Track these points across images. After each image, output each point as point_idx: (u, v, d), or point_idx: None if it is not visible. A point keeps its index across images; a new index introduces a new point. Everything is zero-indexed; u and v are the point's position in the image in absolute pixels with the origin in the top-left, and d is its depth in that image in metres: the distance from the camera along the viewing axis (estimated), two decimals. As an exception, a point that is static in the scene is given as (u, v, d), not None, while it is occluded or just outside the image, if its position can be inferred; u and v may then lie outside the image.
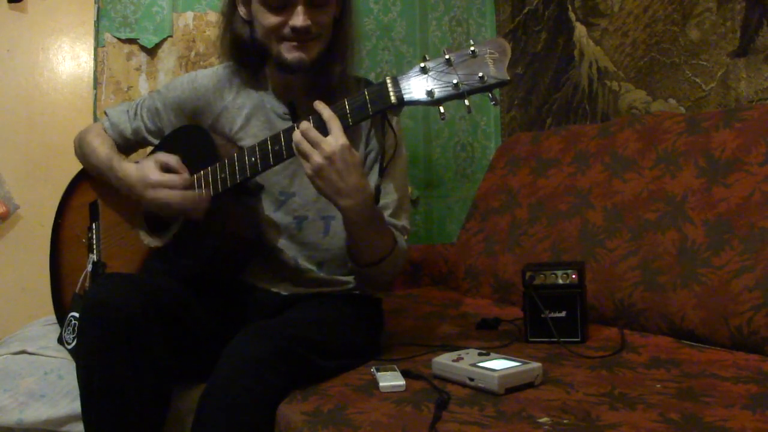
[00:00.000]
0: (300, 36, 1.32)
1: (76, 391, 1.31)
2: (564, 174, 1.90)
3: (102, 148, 1.51)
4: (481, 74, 1.11)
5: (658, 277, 1.49)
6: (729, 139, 1.50)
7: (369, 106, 1.19)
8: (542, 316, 1.43)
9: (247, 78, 1.47)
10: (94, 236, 1.57)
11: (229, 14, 1.43)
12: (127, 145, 1.57)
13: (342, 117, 1.20)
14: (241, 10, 1.40)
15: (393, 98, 1.16)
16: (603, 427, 0.95)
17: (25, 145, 2.04)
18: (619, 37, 2.03)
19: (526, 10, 2.43)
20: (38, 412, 1.39)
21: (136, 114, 1.56)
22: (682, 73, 1.83)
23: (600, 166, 1.79)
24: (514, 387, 1.11)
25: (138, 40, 2.10)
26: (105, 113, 1.61)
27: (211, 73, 1.51)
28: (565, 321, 1.43)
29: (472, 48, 1.13)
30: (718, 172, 1.48)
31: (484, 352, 1.22)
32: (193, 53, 2.17)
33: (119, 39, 2.09)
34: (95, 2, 2.07)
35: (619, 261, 1.59)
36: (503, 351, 1.36)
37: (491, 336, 1.54)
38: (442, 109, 1.16)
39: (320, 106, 1.21)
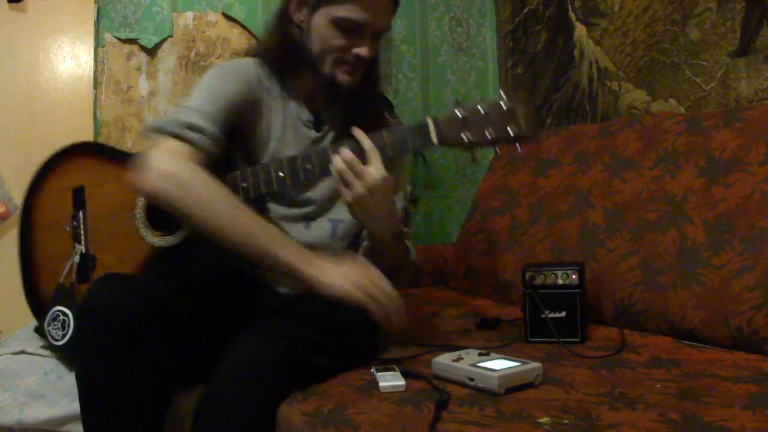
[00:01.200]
0: (358, 63, 1.35)
1: (76, 391, 1.31)
2: (564, 174, 1.90)
3: (251, 212, 1.21)
4: (512, 129, 1.25)
5: (658, 277, 1.49)
6: (729, 139, 1.50)
7: (410, 142, 1.27)
8: (542, 316, 1.43)
9: (278, 81, 1.43)
10: (81, 226, 1.49)
11: (283, 15, 1.40)
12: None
13: (380, 149, 1.26)
14: (297, 16, 1.38)
15: (435, 139, 1.26)
16: (603, 427, 0.95)
17: (25, 145, 2.04)
18: (619, 37, 2.03)
19: (526, 10, 2.43)
20: (38, 412, 1.39)
21: (200, 128, 1.27)
22: (682, 73, 1.83)
23: (600, 166, 1.79)
24: (514, 387, 1.11)
25: (138, 40, 2.10)
26: (186, 127, 1.23)
27: (250, 64, 1.41)
28: (565, 321, 1.43)
29: (504, 104, 1.25)
30: (718, 172, 1.48)
31: (484, 352, 1.22)
32: (193, 53, 2.17)
33: (119, 39, 2.09)
34: (95, 2, 2.07)
35: (619, 261, 1.59)
36: (503, 351, 1.36)
37: (491, 336, 1.54)
38: (477, 155, 1.29)
39: (360, 135, 1.26)
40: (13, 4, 2.01)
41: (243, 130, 1.38)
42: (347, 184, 1.24)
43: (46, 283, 1.52)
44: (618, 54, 2.04)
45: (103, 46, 2.08)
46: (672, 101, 1.87)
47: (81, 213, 1.51)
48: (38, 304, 1.52)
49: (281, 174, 1.29)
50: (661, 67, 1.89)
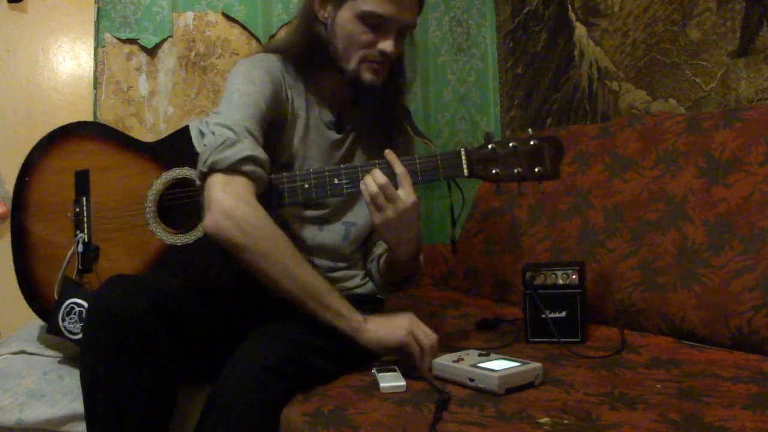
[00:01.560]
0: (383, 60, 1.35)
1: (76, 391, 1.32)
2: (564, 174, 1.89)
3: (308, 271, 1.23)
4: (538, 169, 1.30)
5: (658, 277, 1.49)
6: (729, 139, 1.50)
7: (441, 171, 1.30)
8: (542, 316, 1.43)
9: (302, 80, 1.42)
10: (84, 212, 1.43)
11: (308, 12, 1.39)
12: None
13: (411, 173, 1.27)
14: (322, 14, 1.37)
15: (466, 171, 1.30)
16: (603, 427, 0.95)
17: (25, 145, 2.03)
18: (619, 37, 2.03)
19: (526, 10, 2.43)
20: (38, 412, 1.39)
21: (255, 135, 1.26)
22: (682, 73, 1.83)
23: (600, 166, 1.79)
24: (514, 387, 1.11)
25: (138, 40, 2.10)
26: (244, 161, 1.20)
27: (273, 62, 1.40)
28: (565, 321, 1.43)
29: (534, 142, 1.29)
30: (718, 172, 1.48)
31: (484, 352, 1.23)
32: (193, 53, 2.17)
33: (119, 39, 2.09)
34: (95, 2, 2.07)
35: (619, 261, 1.59)
36: (503, 351, 1.36)
37: (491, 336, 1.54)
38: (501, 187, 1.33)
39: (392, 159, 1.27)
40: (13, 4, 2.01)
41: (273, 129, 1.36)
42: (379, 208, 1.25)
43: (42, 268, 1.45)
44: (618, 54, 2.04)
45: (103, 46, 2.08)
46: (672, 101, 1.87)
47: (84, 199, 1.45)
48: (31, 290, 1.45)
49: (306, 186, 1.28)
50: (661, 67, 1.89)
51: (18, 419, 1.38)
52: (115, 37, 2.09)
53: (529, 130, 1.33)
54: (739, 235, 1.38)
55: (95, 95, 2.08)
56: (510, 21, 2.51)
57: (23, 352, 1.50)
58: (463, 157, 1.30)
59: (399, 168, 1.26)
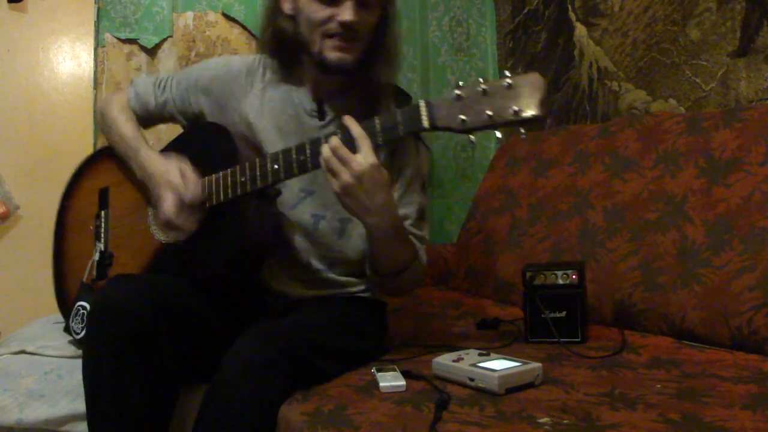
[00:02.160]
0: (345, 34, 1.31)
1: (77, 391, 1.32)
2: (564, 174, 1.90)
3: (128, 126, 1.49)
4: (515, 109, 1.11)
5: (658, 277, 1.49)
6: (729, 139, 1.50)
7: (400, 127, 1.19)
8: (542, 316, 1.43)
9: (279, 73, 1.45)
10: (103, 224, 1.53)
11: (273, 8, 1.40)
12: (149, 119, 1.55)
13: (371, 135, 1.20)
14: (286, 6, 1.38)
15: (426, 122, 1.17)
16: (603, 427, 0.95)
17: (25, 145, 2.04)
18: (619, 37, 2.03)
19: (526, 10, 2.43)
20: (38, 412, 1.39)
21: (164, 88, 1.54)
22: (682, 73, 1.83)
23: (600, 166, 1.79)
24: (514, 387, 1.11)
25: (138, 40, 2.10)
26: (132, 81, 1.58)
27: (245, 60, 1.51)
28: (565, 321, 1.43)
29: (508, 81, 1.12)
30: (718, 172, 1.48)
31: (484, 352, 1.22)
32: (193, 53, 2.17)
33: (119, 39, 2.09)
34: (95, 2, 2.07)
35: (619, 261, 1.59)
36: (503, 351, 1.36)
37: (491, 336, 1.54)
38: (472, 138, 1.17)
39: (350, 122, 1.21)
40: (13, 4, 2.01)
41: (240, 113, 1.45)
42: (335, 173, 1.19)
43: (71, 282, 1.55)
44: (618, 54, 2.04)
45: (103, 46, 2.08)
46: (672, 101, 1.87)
47: (103, 212, 1.55)
48: (64, 303, 1.55)
49: (276, 167, 1.28)
50: (661, 67, 1.89)
51: (18, 419, 1.38)
52: (115, 37, 2.09)
53: (506, 72, 1.15)
54: (739, 235, 1.38)
55: (95, 95, 2.08)
56: (510, 21, 2.51)
57: (23, 351, 1.50)
58: (423, 108, 1.17)
59: (356, 130, 1.19)
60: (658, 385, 1.12)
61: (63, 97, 2.08)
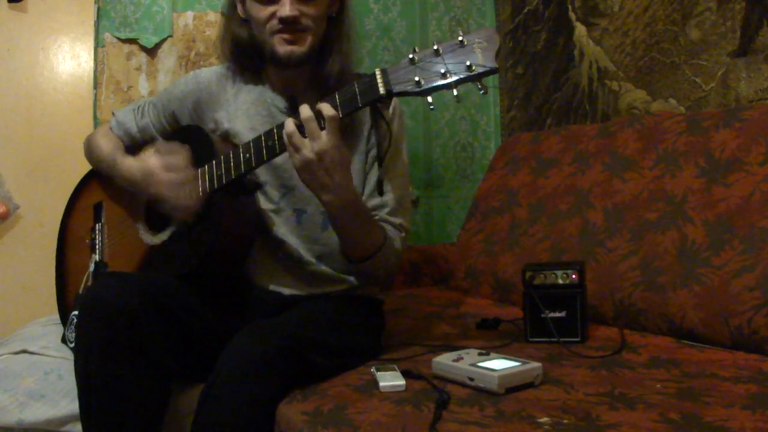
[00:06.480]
0: (289, 27, 1.34)
1: (77, 391, 1.32)
2: (564, 174, 1.90)
3: (106, 146, 1.54)
4: (468, 63, 1.11)
5: (658, 277, 1.49)
6: (729, 139, 1.50)
7: (358, 97, 1.19)
8: (542, 316, 1.43)
9: (248, 76, 1.49)
10: (98, 237, 1.57)
11: (229, 15, 1.46)
12: (134, 144, 1.58)
13: (332, 108, 1.20)
14: (240, 10, 1.43)
15: (382, 89, 1.16)
16: (603, 427, 0.95)
17: (25, 145, 2.04)
18: (619, 37, 2.03)
19: (526, 10, 2.43)
20: (38, 412, 1.39)
21: (143, 112, 1.58)
22: (682, 73, 1.83)
23: (600, 166, 1.79)
24: (514, 387, 1.11)
25: (138, 40, 2.10)
26: (113, 113, 1.64)
27: (214, 69, 1.55)
28: (565, 321, 1.43)
29: (460, 38, 1.13)
30: (718, 172, 1.48)
31: (484, 352, 1.22)
32: (193, 53, 2.17)
33: (119, 39, 2.09)
34: (95, 2, 2.07)
35: (619, 261, 1.59)
36: (503, 351, 1.36)
37: (491, 336, 1.54)
38: (430, 99, 1.16)
39: (321, 105, 1.21)
40: (13, 4, 2.01)
41: (215, 121, 1.48)
42: (297, 148, 1.20)
43: (71, 295, 1.58)
44: (618, 54, 2.04)
45: (103, 46, 2.08)
46: (672, 101, 1.87)
47: (98, 225, 1.58)
48: (65, 316, 1.58)
49: (247, 155, 1.30)
50: (661, 67, 1.89)
51: (18, 419, 1.38)
52: (115, 37, 2.08)
53: (459, 30, 1.17)
54: (739, 235, 1.38)
55: (95, 95, 2.08)
56: (510, 21, 2.51)
57: (24, 351, 1.51)
58: (378, 76, 1.16)
59: (319, 107, 1.19)
60: (658, 385, 1.12)
61: (63, 97, 2.08)
